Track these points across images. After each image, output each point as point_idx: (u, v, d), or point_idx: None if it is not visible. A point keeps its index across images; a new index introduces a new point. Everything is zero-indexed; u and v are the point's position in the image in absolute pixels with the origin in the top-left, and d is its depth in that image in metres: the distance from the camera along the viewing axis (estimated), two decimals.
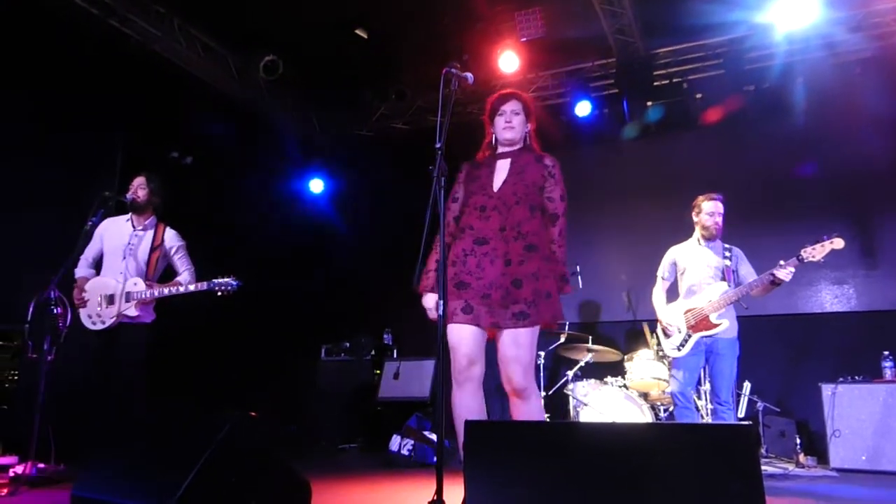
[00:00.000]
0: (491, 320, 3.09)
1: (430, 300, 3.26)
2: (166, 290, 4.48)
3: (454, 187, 3.46)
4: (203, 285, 4.45)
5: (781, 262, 4.45)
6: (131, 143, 6.28)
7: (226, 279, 4.41)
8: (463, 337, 3.09)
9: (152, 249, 4.60)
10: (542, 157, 3.35)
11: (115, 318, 4.43)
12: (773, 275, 4.44)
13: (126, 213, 4.72)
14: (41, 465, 4.12)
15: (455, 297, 3.11)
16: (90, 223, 4.36)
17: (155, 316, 4.61)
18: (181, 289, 4.50)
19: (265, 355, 7.75)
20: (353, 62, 7.47)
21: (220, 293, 4.43)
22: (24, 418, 4.70)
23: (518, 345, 3.06)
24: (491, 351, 3.17)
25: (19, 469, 4.05)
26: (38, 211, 5.55)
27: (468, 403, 3.08)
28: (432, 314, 3.21)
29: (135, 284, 4.48)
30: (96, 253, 4.72)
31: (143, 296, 4.44)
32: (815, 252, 4.39)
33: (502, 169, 3.32)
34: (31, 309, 4.18)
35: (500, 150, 3.39)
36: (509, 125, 3.32)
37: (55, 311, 4.16)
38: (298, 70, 7.40)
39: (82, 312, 4.53)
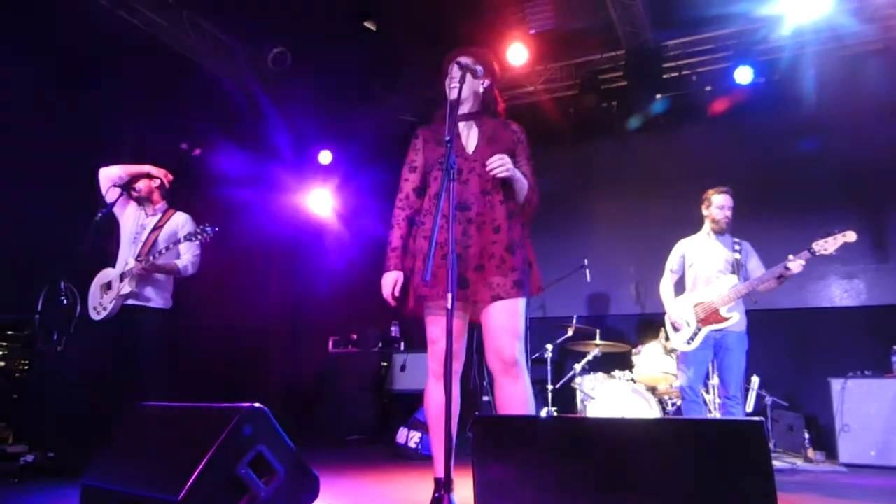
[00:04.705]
0: (490, 293, 2.95)
1: (388, 280, 3.09)
2: (154, 262, 4.34)
3: (410, 155, 3.33)
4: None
5: (790, 257, 4.41)
6: (139, 135, 6.28)
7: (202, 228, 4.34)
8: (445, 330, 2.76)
9: (153, 230, 4.52)
10: (509, 124, 3.27)
11: (114, 301, 4.33)
12: (785, 267, 4.38)
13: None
14: (51, 455, 4.14)
15: (445, 274, 2.78)
16: (100, 214, 4.37)
17: (171, 302, 4.52)
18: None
19: (273, 347, 7.77)
20: (362, 54, 7.45)
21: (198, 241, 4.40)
22: (34, 407, 4.73)
23: (512, 314, 2.94)
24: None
25: (30, 458, 4.07)
26: (48, 202, 5.56)
27: (442, 398, 2.89)
28: (390, 299, 3.06)
29: (126, 264, 4.41)
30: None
31: (133, 271, 4.31)
32: (828, 245, 4.36)
33: (470, 132, 3.21)
34: (40, 299, 4.19)
35: (461, 111, 3.20)
36: (453, 80, 3.09)
37: (64, 301, 4.17)
38: (307, 62, 7.39)
39: (89, 305, 4.51)
